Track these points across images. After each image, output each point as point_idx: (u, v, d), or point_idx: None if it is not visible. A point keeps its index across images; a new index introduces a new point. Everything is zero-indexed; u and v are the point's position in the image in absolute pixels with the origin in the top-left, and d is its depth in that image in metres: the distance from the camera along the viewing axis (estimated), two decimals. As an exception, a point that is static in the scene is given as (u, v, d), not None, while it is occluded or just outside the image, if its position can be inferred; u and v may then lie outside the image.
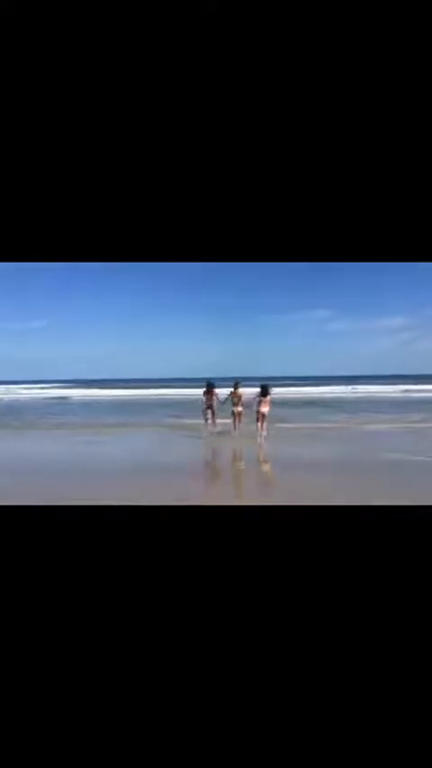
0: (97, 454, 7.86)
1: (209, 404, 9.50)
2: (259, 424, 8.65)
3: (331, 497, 4.33)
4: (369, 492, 4.60)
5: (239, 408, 9.10)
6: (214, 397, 9.46)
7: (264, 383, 9.09)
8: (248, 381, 10.13)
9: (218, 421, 9.46)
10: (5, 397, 27.87)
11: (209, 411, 9.53)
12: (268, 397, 8.84)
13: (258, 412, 8.74)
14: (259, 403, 8.78)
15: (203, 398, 9.63)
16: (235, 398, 9.09)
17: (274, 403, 9.14)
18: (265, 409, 8.71)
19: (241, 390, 9.11)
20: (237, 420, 9.13)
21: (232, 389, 9.14)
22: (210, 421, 9.54)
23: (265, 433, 8.59)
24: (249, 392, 9.19)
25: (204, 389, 9.60)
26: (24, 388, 36.92)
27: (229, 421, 9.17)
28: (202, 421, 9.61)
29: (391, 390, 29.37)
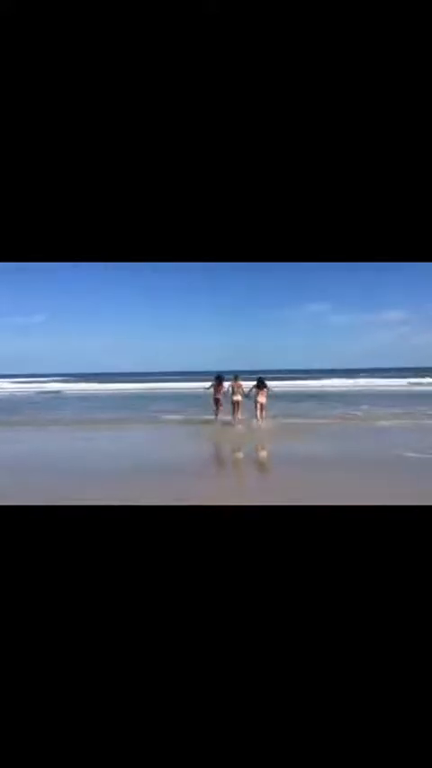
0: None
1: (217, 396, 10.54)
2: (258, 412, 10.01)
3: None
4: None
5: (238, 398, 10.24)
6: (229, 390, 10.45)
7: (260, 376, 10.45)
8: (247, 375, 11.33)
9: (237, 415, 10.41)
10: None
11: (217, 402, 10.54)
12: (265, 389, 10.16)
13: (257, 402, 10.06)
14: (257, 394, 10.10)
15: (212, 391, 10.65)
16: (236, 389, 10.24)
17: (277, 396, 10.68)
18: (262, 399, 10.05)
19: (240, 382, 10.28)
20: (236, 409, 10.27)
21: (233, 381, 10.32)
22: (218, 411, 10.54)
23: (263, 420, 9.91)
24: (247, 384, 10.46)
25: (213, 383, 10.65)
26: (11, 382, 36.50)
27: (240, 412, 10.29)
28: (213, 410, 10.66)
29: (396, 384, 29.46)
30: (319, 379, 35.87)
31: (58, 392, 26.96)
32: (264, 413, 10.02)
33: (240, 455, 7.67)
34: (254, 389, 10.20)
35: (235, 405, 10.22)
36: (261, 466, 6.95)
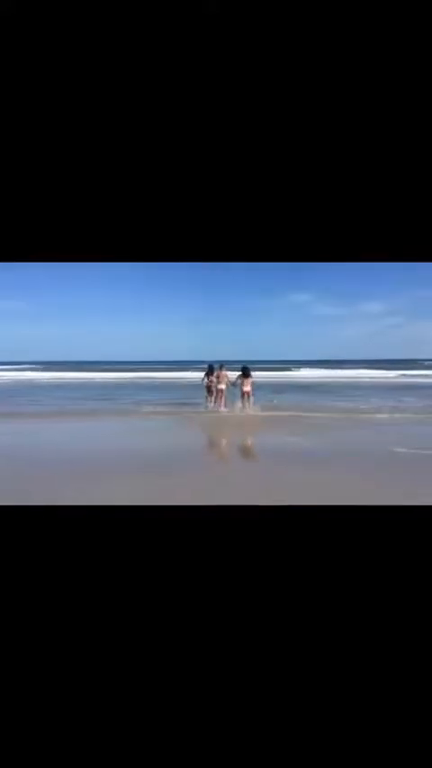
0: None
1: (208, 385, 11.13)
2: (243, 399, 10.51)
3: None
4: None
5: (222, 386, 10.79)
6: (215, 379, 10.96)
7: (244, 365, 10.77)
8: (231, 364, 11.83)
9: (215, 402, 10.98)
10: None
11: (208, 391, 11.15)
12: (249, 378, 10.62)
13: (242, 390, 10.56)
14: (242, 383, 10.57)
15: (205, 380, 11.28)
16: (220, 378, 10.76)
17: (274, 387, 11.22)
18: (247, 388, 10.57)
19: (225, 372, 10.86)
20: (220, 397, 10.82)
21: (217, 370, 10.90)
22: (210, 399, 11.08)
23: (249, 406, 10.41)
24: (232, 374, 10.99)
25: (206, 372, 11.29)
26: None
27: (237, 402, 10.70)
28: (205, 397, 11.29)
29: (388, 376, 29.63)
30: (304, 369, 36.21)
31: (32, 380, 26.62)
32: (250, 400, 10.52)
33: (226, 441, 8.03)
34: (239, 378, 10.60)
35: (218, 393, 10.78)
36: (245, 449, 7.02)
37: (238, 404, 10.62)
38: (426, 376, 28.80)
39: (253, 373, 10.91)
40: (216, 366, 11.07)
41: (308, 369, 37.32)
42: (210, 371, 11.15)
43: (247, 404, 10.49)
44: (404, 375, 30.02)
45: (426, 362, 44.46)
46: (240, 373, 10.63)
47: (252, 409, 10.41)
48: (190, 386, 11.79)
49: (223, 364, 11.04)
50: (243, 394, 10.55)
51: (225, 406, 10.81)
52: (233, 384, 10.75)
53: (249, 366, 10.86)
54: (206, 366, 11.47)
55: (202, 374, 11.44)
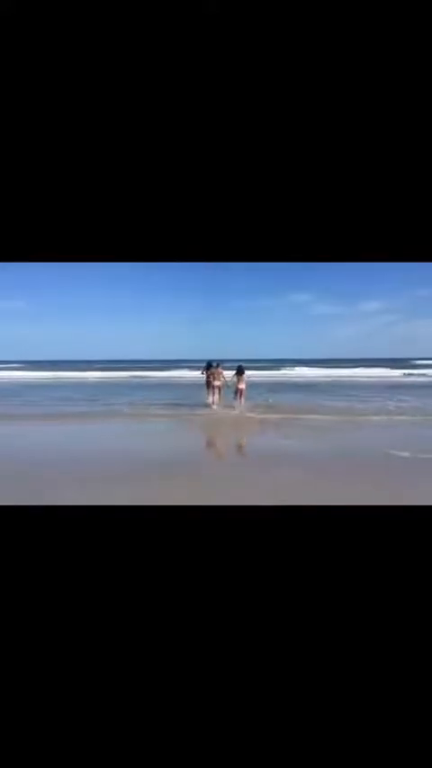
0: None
1: (208, 380, 11.72)
2: (238, 396, 11.33)
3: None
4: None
5: (218, 383, 11.48)
6: (212, 376, 11.58)
7: (240, 364, 11.60)
8: (228, 363, 12.58)
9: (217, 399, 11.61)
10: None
11: (208, 386, 11.76)
12: (244, 376, 11.47)
13: (237, 388, 11.39)
14: (238, 381, 11.41)
15: (204, 375, 11.95)
16: (216, 375, 11.45)
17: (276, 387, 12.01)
18: (242, 386, 11.42)
19: (220, 370, 11.56)
20: (217, 393, 11.48)
21: (213, 368, 11.58)
22: (209, 393, 11.69)
23: (243, 403, 11.20)
24: (228, 373, 11.79)
25: (204, 368, 11.98)
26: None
27: (235, 399, 11.43)
28: (206, 393, 11.92)
29: (392, 374, 29.69)
30: (302, 368, 36.28)
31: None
32: (243, 398, 11.36)
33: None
34: (234, 377, 11.44)
35: (216, 390, 11.48)
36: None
37: (235, 402, 11.42)
38: (424, 375, 28.89)
39: (250, 372, 11.82)
40: (214, 363, 11.75)
41: (306, 367, 37.34)
42: (208, 367, 11.88)
43: (240, 400, 11.37)
44: (406, 374, 30.08)
45: (424, 361, 44.57)
46: (235, 372, 11.44)
47: (245, 406, 11.24)
48: (183, 385, 11.94)
49: (220, 363, 11.76)
50: (237, 391, 11.41)
51: (220, 401, 11.56)
52: (228, 383, 11.57)
53: (244, 365, 11.73)
54: (205, 363, 12.21)
55: (197, 372, 12.01)
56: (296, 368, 37.05)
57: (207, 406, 11.66)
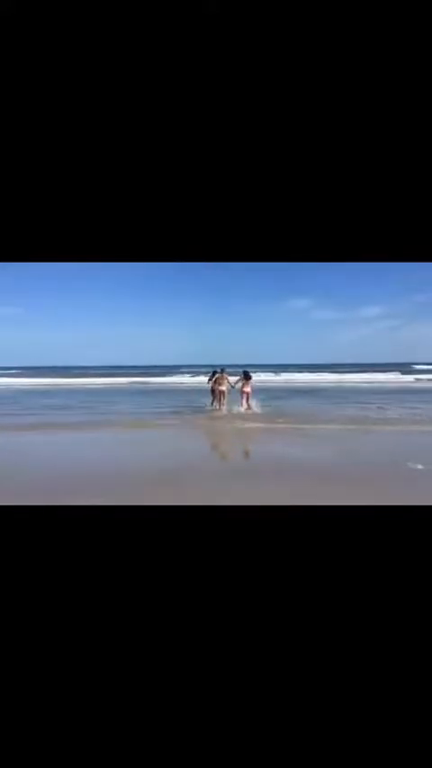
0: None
1: (213, 387, 12.20)
2: (243, 401, 11.59)
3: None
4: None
5: (222, 388, 11.87)
6: (217, 382, 12.06)
7: (245, 369, 12.09)
8: (233, 368, 13.43)
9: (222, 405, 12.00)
10: None
11: (212, 393, 12.23)
12: (250, 380, 11.76)
13: (242, 392, 11.67)
14: (243, 385, 11.69)
15: (210, 383, 12.43)
16: (221, 380, 11.88)
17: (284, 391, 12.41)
18: (247, 389, 11.70)
19: (225, 375, 12.02)
20: (222, 398, 11.83)
21: (218, 374, 12.10)
22: (214, 400, 12.13)
23: (247, 407, 11.47)
24: (233, 379, 12.18)
25: (209, 377, 12.56)
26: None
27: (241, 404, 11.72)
28: (211, 398, 12.44)
29: (400, 380, 29.62)
30: (302, 373, 36.23)
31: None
32: (249, 401, 11.66)
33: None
34: (240, 381, 11.77)
35: (220, 394, 11.85)
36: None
37: (239, 405, 11.64)
38: (425, 380, 28.82)
39: (252, 375, 12.12)
40: (218, 370, 12.31)
41: (307, 373, 37.25)
42: (213, 375, 12.46)
43: (247, 402, 11.59)
44: (407, 379, 30.04)
45: (424, 366, 44.53)
46: (241, 376, 11.78)
47: (253, 407, 11.59)
48: (185, 391, 12.04)
49: (224, 369, 12.33)
50: (243, 394, 11.66)
51: (225, 405, 11.83)
52: (233, 386, 11.92)
53: (249, 370, 12.13)
54: (210, 372, 12.86)
55: (195, 378, 12.75)
56: (297, 373, 36.92)
57: (211, 410, 12.03)
